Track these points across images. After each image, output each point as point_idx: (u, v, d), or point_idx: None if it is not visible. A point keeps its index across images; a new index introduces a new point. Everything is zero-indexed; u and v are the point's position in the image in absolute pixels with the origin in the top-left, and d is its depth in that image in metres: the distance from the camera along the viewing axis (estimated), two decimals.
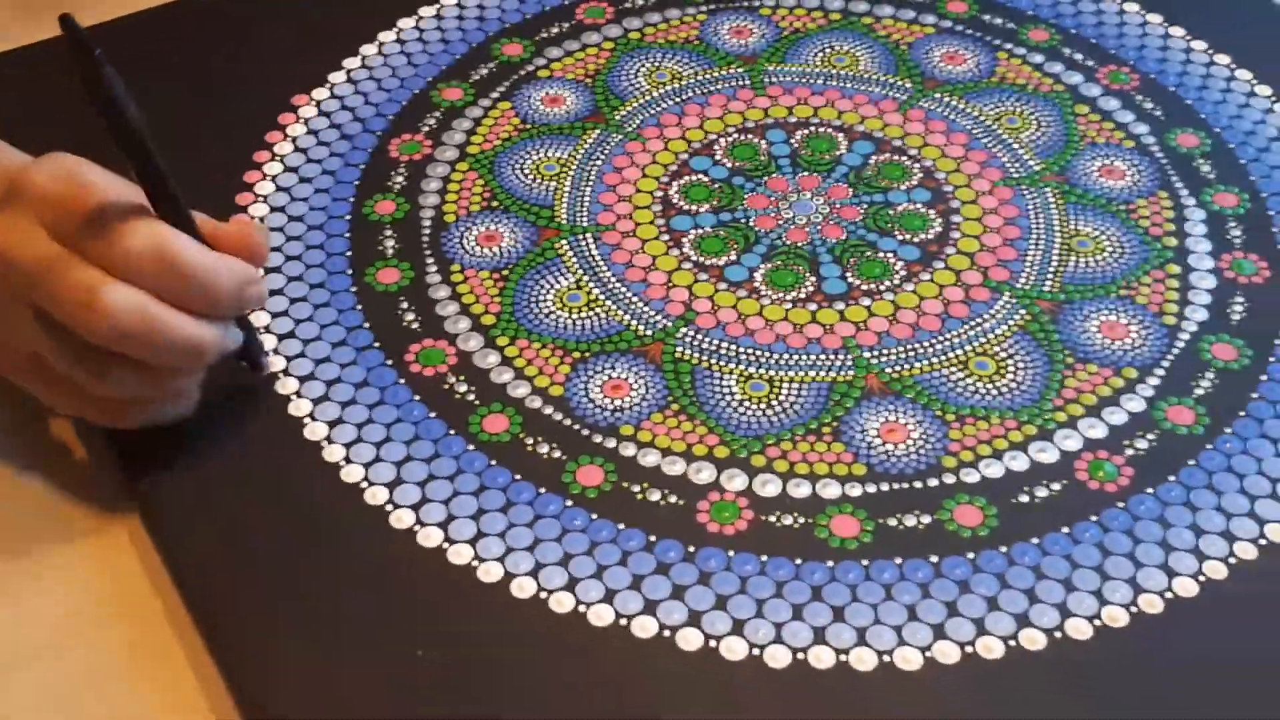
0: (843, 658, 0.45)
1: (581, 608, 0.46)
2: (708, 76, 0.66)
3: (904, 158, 0.63)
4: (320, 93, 0.65)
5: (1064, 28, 0.69)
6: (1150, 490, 0.50)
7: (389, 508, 0.49)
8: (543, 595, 0.47)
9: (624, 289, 0.57)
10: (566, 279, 0.57)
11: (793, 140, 0.63)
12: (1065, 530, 0.49)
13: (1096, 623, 0.46)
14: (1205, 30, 0.69)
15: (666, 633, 0.46)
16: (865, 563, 0.48)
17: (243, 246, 0.49)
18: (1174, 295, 0.57)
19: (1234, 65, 0.67)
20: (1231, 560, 0.48)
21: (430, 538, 0.48)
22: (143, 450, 0.50)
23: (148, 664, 0.46)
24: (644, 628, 0.46)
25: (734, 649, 0.45)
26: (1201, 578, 0.48)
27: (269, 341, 0.54)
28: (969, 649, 0.46)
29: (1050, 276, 0.58)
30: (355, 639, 0.46)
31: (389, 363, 0.54)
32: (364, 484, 0.50)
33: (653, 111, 0.65)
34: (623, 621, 0.46)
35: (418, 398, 0.52)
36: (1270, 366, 0.54)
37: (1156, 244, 0.59)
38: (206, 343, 0.47)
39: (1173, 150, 0.63)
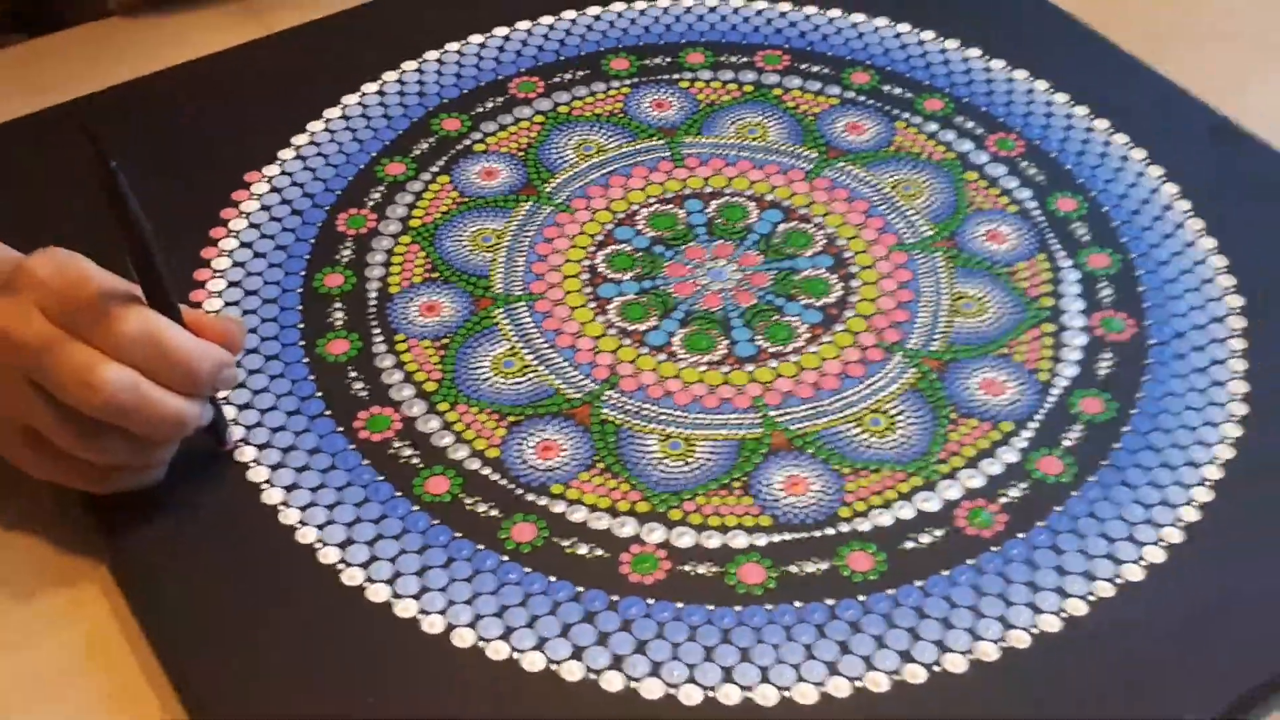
0: (748, 694, 0.51)
1: (515, 655, 0.52)
2: (630, 149, 0.72)
3: (809, 225, 0.69)
4: (271, 169, 0.70)
5: (957, 96, 0.76)
6: (1021, 535, 0.56)
7: (340, 566, 0.54)
8: (480, 644, 0.52)
9: (554, 354, 0.62)
10: (502, 346, 0.63)
11: (708, 209, 0.69)
12: (945, 573, 0.55)
13: (970, 657, 0.52)
14: (1085, 95, 0.75)
15: (591, 676, 0.52)
16: (769, 607, 0.54)
17: (222, 335, 0.55)
18: (1048, 353, 0.63)
19: (1111, 130, 0.74)
20: (1090, 598, 0.54)
21: (379, 593, 0.54)
22: (116, 513, 0.56)
23: (124, 711, 0.52)
24: (571, 672, 0.52)
25: (652, 690, 0.51)
26: (1064, 614, 0.54)
27: (229, 411, 0.59)
28: (858, 684, 0.52)
29: (938, 337, 0.64)
30: (310, 686, 0.51)
31: (340, 429, 0.59)
32: (318, 544, 0.55)
33: (580, 183, 0.70)
34: (553, 667, 0.52)
35: (366, 462, 0.58)
36: (1133, 418, 0.61)
37: (1034, 304, 0.65)
38: (188, 417, 0.53)
39: (1052, 214, 0.69)
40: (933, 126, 0.74)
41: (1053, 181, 0.71)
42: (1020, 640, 0.53)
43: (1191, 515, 0.57)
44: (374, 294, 0.65)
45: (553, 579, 0.54)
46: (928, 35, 0.79)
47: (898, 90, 0.76)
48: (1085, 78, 0.76)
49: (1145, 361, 0.63)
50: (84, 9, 0.80)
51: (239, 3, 0.81)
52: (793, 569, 0.55)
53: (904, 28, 0.79)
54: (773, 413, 0.60)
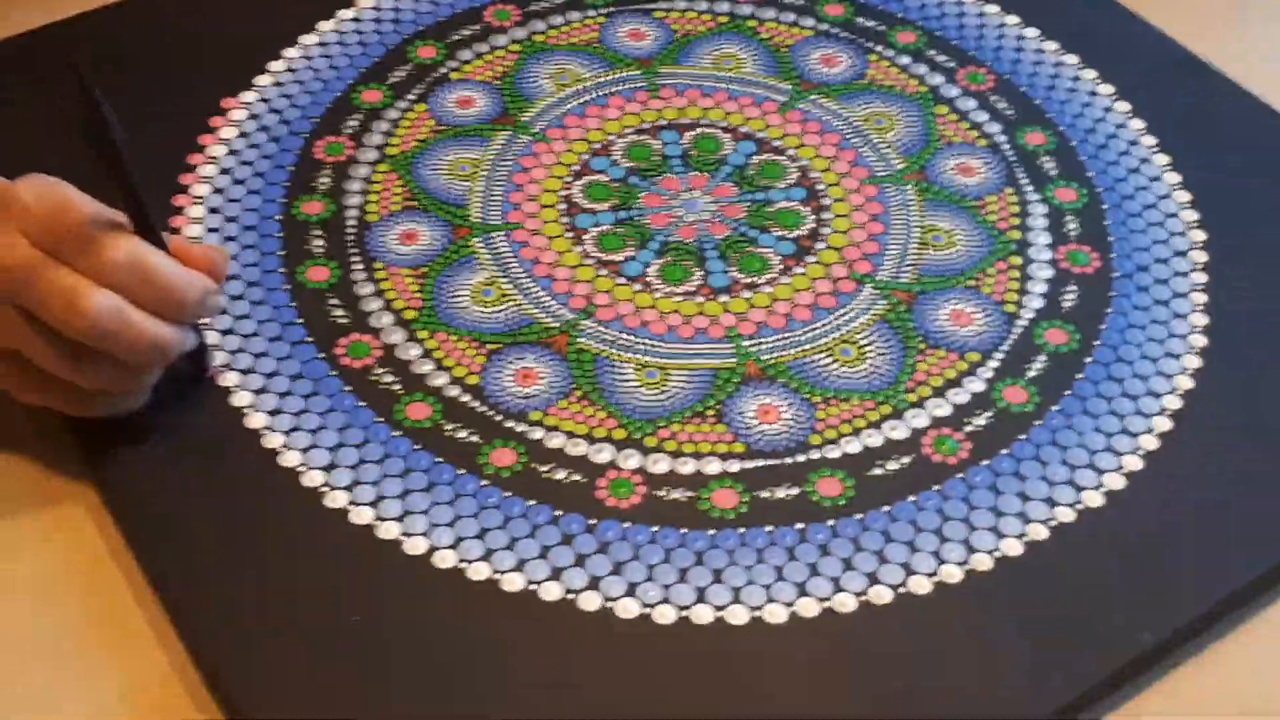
0: (720, 614, 0.53)
1: (495, 576, 0.54)
2: (606, 79, 0.73)
3: (782, 157, 0.70)
4: (249, 96, 0.70)
5: (930, 30, 0.76)
6: (985, 463, 0.58)
7: (323, 489, 0.56)
8: (461, 566, 0.54)
9: (532, 284, 0.63)
10: (480, 275, 0.64)
11: (683, 141, 0.70)
12: (911, 499, 0.57)
13: (934, 579, 0.54)
14: (1056, 30, 0.76)
15: (569, 596, 0.53)
16: (741, 531, 0.56)
17: (206, 263, 0.56)
18: (1015, 285, 0.65)
19: (1081, 65, 0.75)
20: (1052, 523, 0.56)
21: (361, 516, 0.55)
22: (102, 436, 0.56)
23: (109, 629, 0.53)
24: (549, 592, 0.53)
25: (628, 609, 0.53)
26: (1026, 539, 0.56)
27: (212, 336, 0.60)
28: (826, 604, 0.53)
29: (907, 269, 0.65)
30: (295, 604, 0.52)
31: (321, 356, 0.60)
32: (301, 468, 0.56)
33: (556, 113, 0.71)
34: (531, 587, 0.53)
35: (348, 388, 0.59)
36: (1095, 350, 0.62)
37: (1002, 237, 0.67)
38: (172, 342, 0.54)
39: (1021, 148, 0.71)
40: (905, 60, 0.75)
41: (1022, 116, 0.72)
42: (982, 564, 0.55)
43: (1151, 444, 0.59)
44: (353, 222, 0.65)
45: (531, 503, 0.56)
46: None
47: (871, 23, 0.77)
48: (1056, 13, 0.77)
49: (1109, 294, 0.64)
50: None
51: None
52: (764, 494, 0.57)
53: None
54: (746, 343, 0.62)
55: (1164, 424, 0.60)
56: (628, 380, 0.60)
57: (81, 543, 0.55)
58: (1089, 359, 0.62)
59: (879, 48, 0.75)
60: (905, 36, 0.76)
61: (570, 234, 0.65)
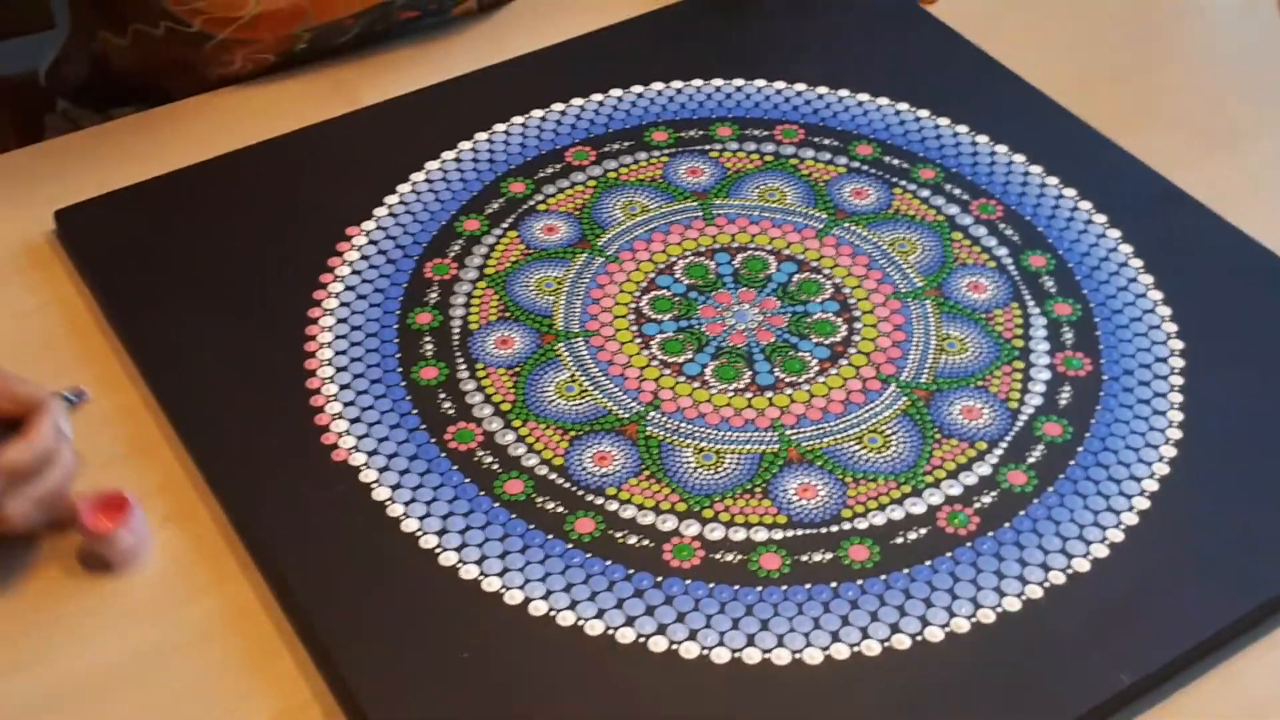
0: (766, 655, 0.64)
1: (580, 622, 0.65)
2: (669, 209, 0.85)
3: (819, 275, 0.82)
4: (368, 224, 0.83)
5: (947, 167, 0.89)
6: (991, 534, 0.69)
7: (438, 550, 0.67)
8: (551, 614, 0.65)
9: (607, 381, 0.75)
10: (563, 374, 0.75)
11: (735, 261, 0.82)
12: (928, 563, 0.68)
13: (946, 629, 0.65)
14: (1056, 167, 0.88)
15: (641, 639, 0.64)
16: (784, 588, 0.67)
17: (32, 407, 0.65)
18: (1018, 385, 0.76)
19: (1078, 197, 0.87)
20: (1046, 584, 0.67)
21: (469, 572, 0.66)
22: (249, 500, 0.68)
23: (260, 668, 0.64)
24: (625, 636, 0.64)
25: (690, 651, 0.64)
26: (1023, 597, 0.66)
27: (341, 424, 0.72)
28: (855, 649, 0.64)
29: (926, 371, 0.77)
30: (417, 643, 0.63)
31: (433, 440, 0.72)
32: (419, 533, 0.68)
33: (627, 238, 0.83)
34: (610, 631, 0.64)
35: (456, 467, 0.71)
36: (1086, 440, 0.73)
37: (1008, 345, 0.78)
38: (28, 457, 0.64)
39: (1025, 269, 0.82)
40: (925, 192, 0.87)
41: (1026, 241, 0.84)
42: (986, 617, 0.66)
43: (1131, 520, 0.70)
44: (457, 330, 0.78)
45: (609, 562, 0.67)
46: (923, 113, 0.92)
47: (896, 161, 0.89)
48: (1058, 152, 0.89)
49: (1099, 394, 0.75)
50: (188, 83, 0.93)
51: (329, 79, 0.94)
52: (804, 558, 0.68)
53: (903, 106, 0.92)
54: (788, 432, 0.73)
55: (1143, 503, 0.70)
56: (688, 462, 0.72)
57: (237, 592, 0.67)
58: (1080, 448, 0.73)
59: (903, 182, 0.87)
60: (926, 172, 0.88)
61: (639, 339, 0.77)
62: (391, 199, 0.85)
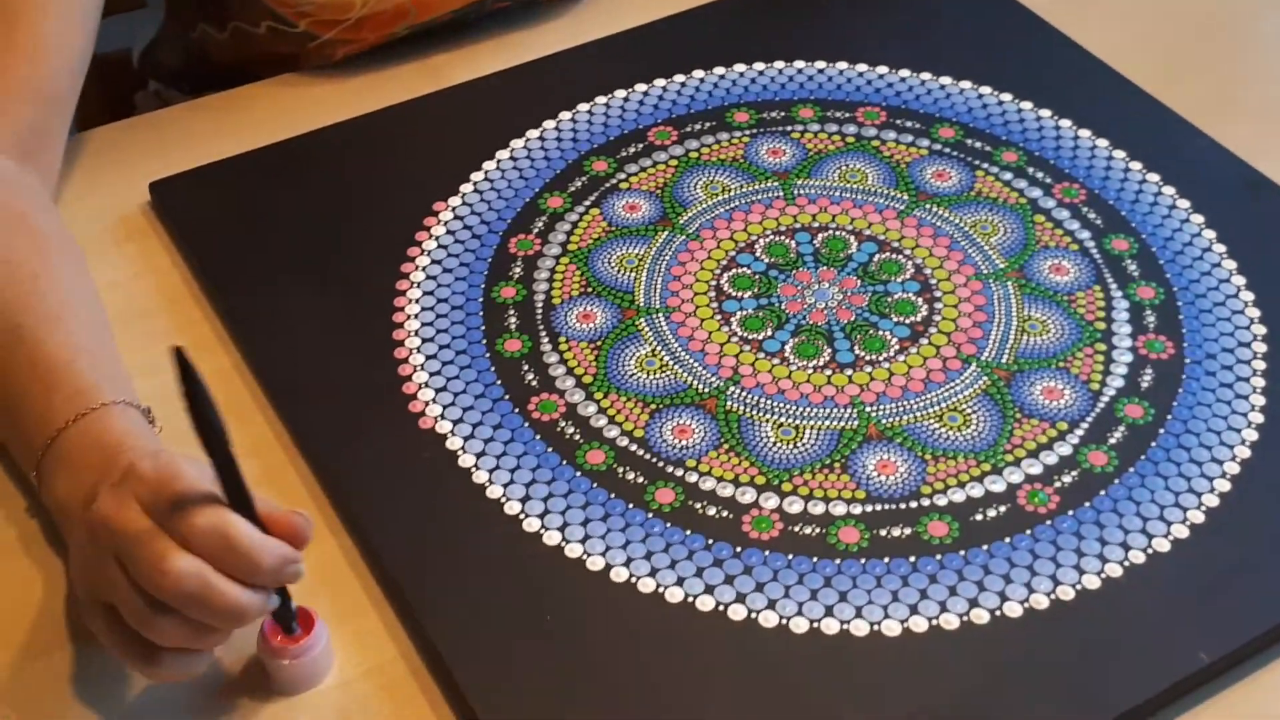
0: (844, 626, 0.64)
1: (660, 589, 0.66)
2: (750, 188, 0.86)
3: (900, 256, 0.82)
4: (454, 200, 0.85)
5: (1030, 150, 0.89)
6: (1070, 513, 0.69)
7: (521, 516, 0.68)
8: (633, 580, 0.66)
9: (687, 356, 0.76)
10: (644, 348, 0.76)
11: (815, 241, 0.83)
12: (1007, 540, 0.68)
13: (1025, 605, 0.65)
14: (1140, 153, 0.88)
15: (720, 607, 0.65)
16: (863, 561, 0.67)
17: (289, 529, 0.59)
18: (1099, 367, 0.76)
19: (1161, 182, 0.86)
20: (1125, 563, 0.67)
21: (552, 538, 0.68)
22: (363, 511, 0.70)
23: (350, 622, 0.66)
24: (704, 604, 0.65)
25: (768, 620, 0.65)
26: (1103, 575, 0.67)
27: (427, 394, 0.73)
28: (933, 622, 0.65)
29: (1007, 351, 0.77)
30: (501, 605, 0.65)
31: (517, 411, 0.73)
32: (503, 499, 0.69)
33: (708, 217, 0.84)
34: (689, 599, 0.65)
35: (539, 437, 0.72)
36: (1168, 422, 0.73)
37: (1090, 327, 0.78)
38: (249, 606, 0.57)
39: (1108, 253, 0.82)
40: (1008, 175, 0.87)
41: (1109, 225, 0.84)
42: (1065, 594, 0.66)
43: (1212, 501, 0.69)
44: (540, 304, 0.79)
45: (688, 533, 0.68)
46: (1006, 97, 0.92)
47: (978, 144, 0.89)
48: (1141, 137, 0.89)
49: (1181, 377, 0.75)
50: (283, 73, 0.95)
51: (418, 61, 0.95)
52: (882, 533, 0.68)
53: (985, 90, 0.92)
54: (868, 409, 0.74)
55: (1224, 485, 0.70)
56: (767, 437, 0.72)
57: (325, 552, 0.68)
58: (1162, 430, 0.73)
59: (985, 165, 0.88)
60: (1009, 155, 0.88)
61: (719, 316, 0.78)
62: (477, 176, 0.86)
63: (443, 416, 0.73)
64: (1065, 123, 0.90)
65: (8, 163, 0.75)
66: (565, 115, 0.90)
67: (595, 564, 0.67)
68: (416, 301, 0.79)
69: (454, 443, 0.72)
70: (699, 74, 0.94)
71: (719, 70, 0.94)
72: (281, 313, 0.77)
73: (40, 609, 0.66)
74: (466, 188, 0.86)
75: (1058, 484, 0.70)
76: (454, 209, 0.84)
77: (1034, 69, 0.94)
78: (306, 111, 0.91)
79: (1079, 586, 0.66)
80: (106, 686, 0.63)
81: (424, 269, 0.81)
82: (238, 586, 0.57)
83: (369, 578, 0.67)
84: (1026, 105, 0.92)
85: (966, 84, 0.93)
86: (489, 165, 0.87)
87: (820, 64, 0.94)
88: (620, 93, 0.92)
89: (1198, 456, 0.71)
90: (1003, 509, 0.69)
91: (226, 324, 0.78)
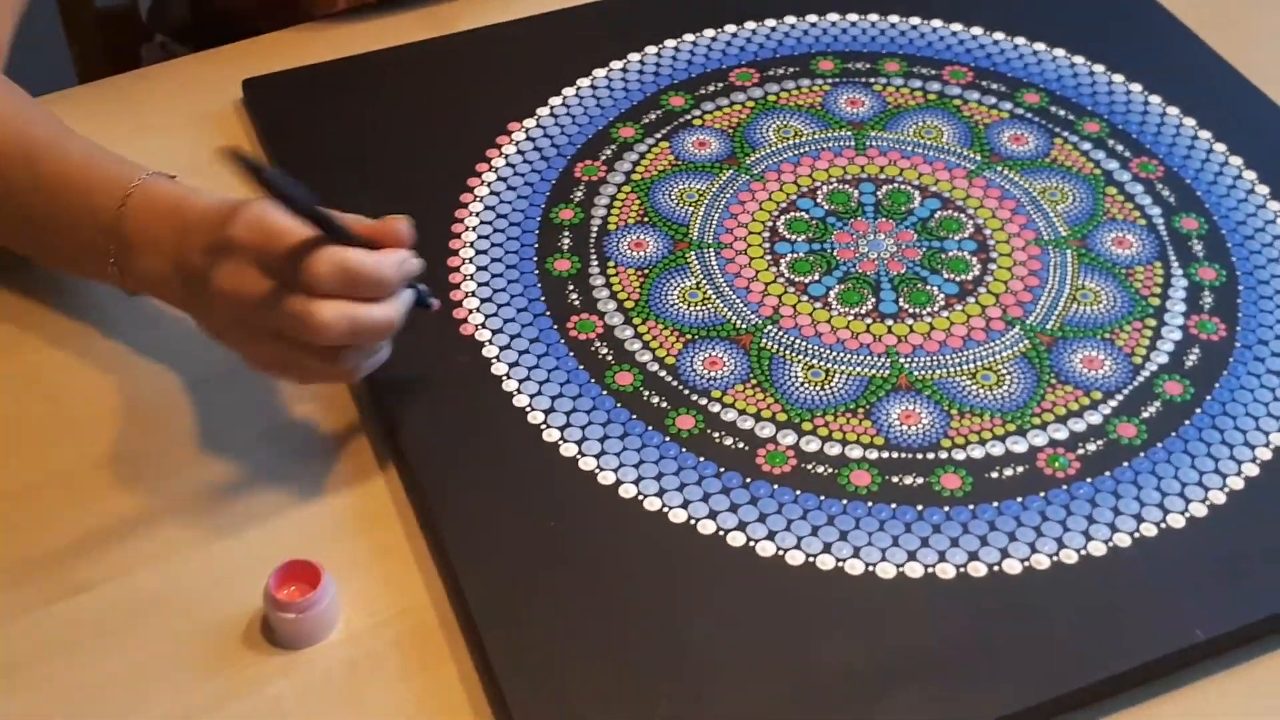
0: (840, 564, 0.65)
1: (665, 509, 0.67)
2: (823, 136, 0.86)
3: (962, 215, 0.82)
4: (529, 121, 0.87)
5: (1114, 123, 0.87)
6: (1089, 480, 0.69)
7: (544, 427, 0.70)
8: (639, 497, 0.68)
9: (731, 292, 0.77)
10: (689, 280, 0.78)
11: (879, 193, 0.83)
12: (1019, 500, 0.68)
13: (1025, 564, 0.65)
14: (1226, 134, 0.86)
15: (721, 533, 0.66)
16: (870, 504, 0.68)
17: (392, 236, 0.66)
18: (1145, 342, 0.75)
19: (1244, 165, 0.84)
20: (1136, 535, 0.66)
21: (569, 450, 0.69)
22: (395, 404, 0.73)
23: (384, 559, 0.67)
24: (705, 528, 0.66)
25: (765, 549, 0.66)
26: (1110, 544, 0.66)
27: (472, 302, 0.76)
28: (930, 569, 0.65)
29: (1055, 318, 0.76)
30: (514, 507, 0.67)
31: (555, 327, 0.75)
32: (529, 409, 0.71)
33: (775, 160, 0.85)
34: (691, 521, 0.67)
35: (572, 354, 0.74)
36: (1205, 402, 0.72)
37: (1143, 301, 0.77)
38: (393, 316, 0.65)
39: (1175, 230, 0.81)
40: (1087, 146, 0.86)
41: (1181, 203, 0.82)
42: (1068, 558, 0.66)
43: (1237, 484, 0.68)
44: (595, 228, 0.80)
45: (702, 459, 0.69)
46: (1098, 68, 0.91)
47: (1062, 112, 0.88)
48: (1230, 119, 0.87)
49: (1229, 360, 0.74)
50: (289, 22, 0.94)
51: (424, 10, 0.97)
52: (894, 479, 0.69)
53: (1078, 59, 0.91)
54: (902, 360, 0.74)
55: (1252, 470, 0.69)
56: (796, 376, 0.73)
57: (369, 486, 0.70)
58: (1199, 409, 0.72)
59: (1065, 133, 0.87)
60: (1091, 126, 0.87)
61: (769, 257, 0.79)
62: (555, 100, 0.88)
63: (484, 325, 0.75)
64: (1155, 98, 0.89)
65: None
66: (650, 49, 0.91)
67: (606, 479, 0.68)
68: (477, 215, 0.81)
69: (490, 350, 0.74)
70: (790, 19, 0.94)
71: (812, 18, 0.94)
72: (348, 208, 0.80)
73: (37, 563, 0.67)
74: (543, 111, 0.87)
75: (1081, 451, 0.70)
76: (527, 130, 0.86)
77: (1129, 41, 0.92)
78: (399, 31, 0.93)
79: (1084, 552, 0.66)
80: (111, 639, 0.63)
81: (490, 185, 0.83)
82: (377, 305, 0.63)
83: (410, 516, 0.68)
84: (1118, 78, 0.90)
85: (1060, 51, 0.92)
86: (568, 91, 0.89)
87: (914, 20, 0.94)
88: (709, 32, 0.93)
89: (1230, 439, 0.70)
90: (1020, 469, 0.69)
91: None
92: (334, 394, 0.73)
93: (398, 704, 0.62)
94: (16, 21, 0.80)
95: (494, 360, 0.73)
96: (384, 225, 0.66)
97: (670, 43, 0.92)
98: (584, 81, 0.89)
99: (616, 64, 0.91)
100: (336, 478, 0.70)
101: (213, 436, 0.71)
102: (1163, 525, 0.67)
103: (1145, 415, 0.72)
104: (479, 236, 0.80)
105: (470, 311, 0.76)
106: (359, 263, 0.63)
